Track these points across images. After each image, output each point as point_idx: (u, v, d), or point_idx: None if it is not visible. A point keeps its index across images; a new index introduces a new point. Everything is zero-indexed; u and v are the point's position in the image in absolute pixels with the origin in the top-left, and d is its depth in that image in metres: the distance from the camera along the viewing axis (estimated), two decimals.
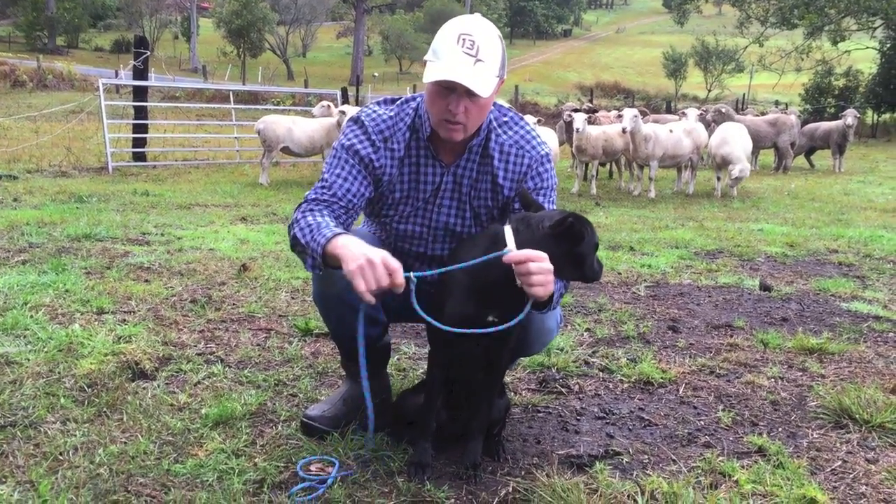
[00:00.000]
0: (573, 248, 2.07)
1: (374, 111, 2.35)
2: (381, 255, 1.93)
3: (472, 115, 2.18)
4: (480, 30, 2.13)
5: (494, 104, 2.36)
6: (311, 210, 2.21)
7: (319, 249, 2.03)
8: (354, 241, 1.99)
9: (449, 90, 2.13)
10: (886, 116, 32.06)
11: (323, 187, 2.26)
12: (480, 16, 2.20)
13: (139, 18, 64.25)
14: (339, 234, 2.03)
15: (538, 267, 1.95)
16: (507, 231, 2.07)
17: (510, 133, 2.37)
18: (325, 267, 2.07)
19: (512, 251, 1.98)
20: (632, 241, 6.43)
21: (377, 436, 2.43)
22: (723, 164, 10.41)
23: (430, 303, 2.12)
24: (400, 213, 2.39)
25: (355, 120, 2.35)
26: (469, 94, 2.13)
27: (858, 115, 16.09)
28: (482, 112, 2.22)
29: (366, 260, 1.91)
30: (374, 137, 2.29)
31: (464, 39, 2.10)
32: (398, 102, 2.38)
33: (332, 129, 10.62)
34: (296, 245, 2.16)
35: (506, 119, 2.39)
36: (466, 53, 2.09)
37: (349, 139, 2.31)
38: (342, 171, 2.27)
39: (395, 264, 1.94)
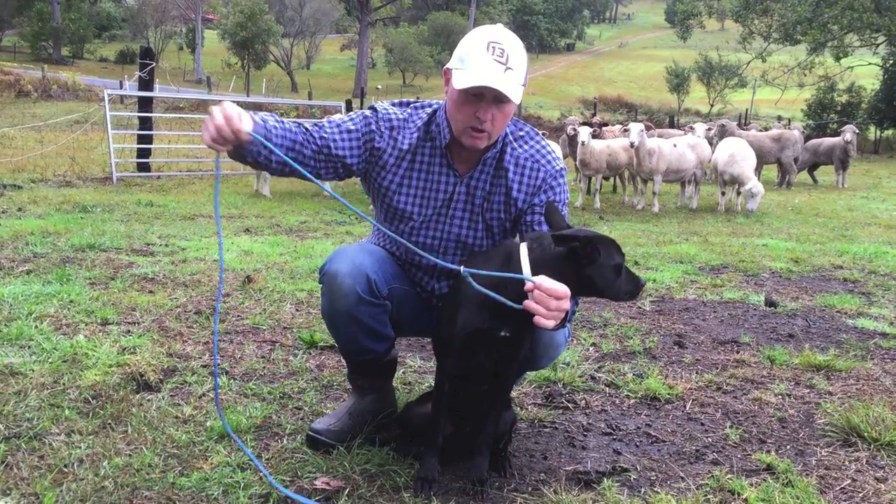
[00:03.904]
0: (584, 269, 2.06)
1: (388, 108, 2.40)
2: (229, 113, 1.95)
3: (497, 122, 2.21)
4: (508, 39, 2.16)
5: (511, 118, 2.37)
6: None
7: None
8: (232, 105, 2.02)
9: (478, 97, 2.15)
10: (889, 132, 32.08)
11: (318, 125, 2.30)
12: (503, 26, 2.21)
13: (144, 29, 64.55)
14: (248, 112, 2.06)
15: (556, 304, 1.93)
16: (523, 249, 2.06)
17: (525, 147, 2.38)
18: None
19: (535, 279, 1.95)
20: (636, 256, 6.41)
21: (383, 450, 2.42)
22: (731, 182, 10.40)
23: (440, 316, 2.10)
24: (412, 225, 2.39)
25: (370, 107, 2.41)
26: (497, 101, 2.14)
27: (857, 132, 16.08)
28: (506, 120, 2.25)
29: (210, 116, 1.96)
30: (381, 124, 2.35)
31: (493, 47, 2.12)
32: (413, 106, 2.42)
33: None
34: None
35: (522, 133, 2.41)
36: (497, 61, 2.11)
37: (363, 113, 2.37)
38: (343, 124, 2.32)
39: (238, 125, 1.96)
